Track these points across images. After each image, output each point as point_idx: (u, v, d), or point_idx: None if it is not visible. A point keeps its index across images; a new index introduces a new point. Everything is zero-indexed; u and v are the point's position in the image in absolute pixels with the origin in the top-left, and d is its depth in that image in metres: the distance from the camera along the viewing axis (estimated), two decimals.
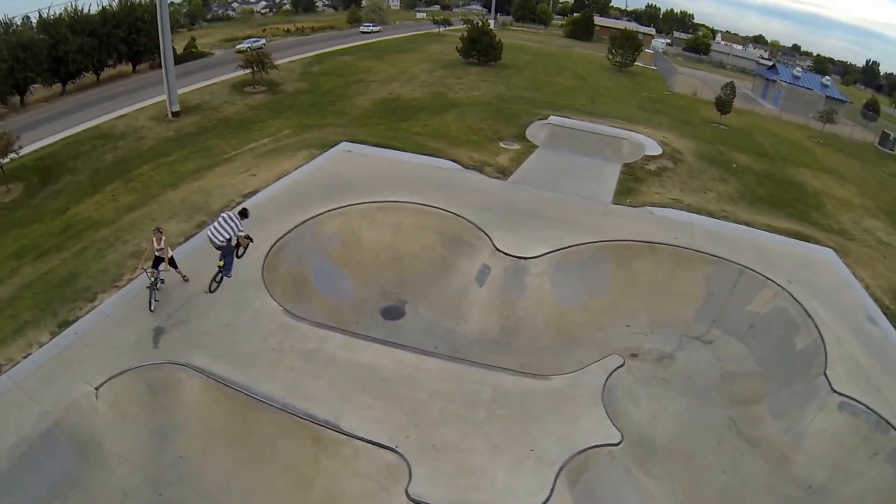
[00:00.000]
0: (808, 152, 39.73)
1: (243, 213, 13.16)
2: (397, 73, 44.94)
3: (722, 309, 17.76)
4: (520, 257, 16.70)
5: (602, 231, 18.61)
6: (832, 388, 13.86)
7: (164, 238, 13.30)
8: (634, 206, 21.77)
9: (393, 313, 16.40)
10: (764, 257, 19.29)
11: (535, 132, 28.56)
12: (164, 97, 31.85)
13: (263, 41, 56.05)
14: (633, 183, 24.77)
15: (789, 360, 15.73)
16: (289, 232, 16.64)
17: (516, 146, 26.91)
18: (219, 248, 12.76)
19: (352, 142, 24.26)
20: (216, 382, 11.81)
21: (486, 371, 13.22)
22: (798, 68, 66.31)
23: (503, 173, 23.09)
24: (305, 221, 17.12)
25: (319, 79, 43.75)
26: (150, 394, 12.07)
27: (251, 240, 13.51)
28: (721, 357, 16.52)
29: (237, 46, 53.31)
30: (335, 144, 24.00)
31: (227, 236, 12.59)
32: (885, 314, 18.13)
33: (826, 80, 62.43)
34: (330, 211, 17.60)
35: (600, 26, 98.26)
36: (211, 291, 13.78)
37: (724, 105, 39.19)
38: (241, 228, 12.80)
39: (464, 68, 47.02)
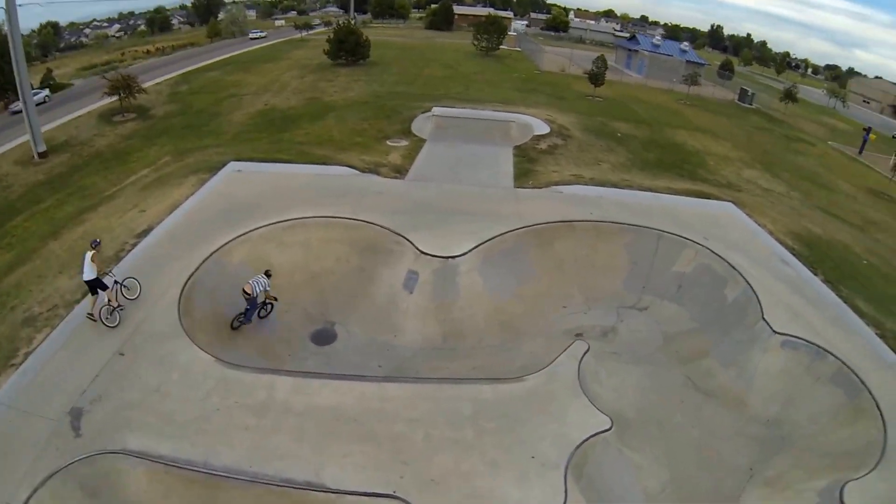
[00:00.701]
0: (679, 115, 43.06)
1: (268, 274, 15.14)
2: (268, 83, 43.21)
3: (648, 275, 18.73)
4: (447, 257, 16.42)
5: (519, 217, 18.82)
6: (773, 330, 15.26)
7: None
8: (539, 188, 22.14)
9: (324, 337, 15.29)
10: (675, 219, 20.47)
11: (421, 126, 28.25)
12: (26, 138, 29.31)
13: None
14: (529, 164, 25.25)
15: (724, 312, 16.92)
16: (196, 269, 14.98)
17: (404, 142, 26.43)
18: (248, 299, 14.70)
19: (238, 160, 22.57)
20: (165, 466, 10.14)
21: (457, 386, 12.82)
22: (657, 36, 71.92)
23: (399, 172, 22.52)
24: (211, 255, 15.51)
25: (190, 98, 41.09)
26: (88, 498, 9.92)
27: (276, 300, 15.54)
28: (659, 321, 17.40)
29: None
30: (223, 166, 22.22)
31: (257, 290, 14.72)
32: (794, 255, 20.21)
33: (684, 45, 68.82)
34: (235, 239, 16.10)
35: (459, 15, 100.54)
36: (233, 328, 15.09)
37: (596, 78, 41.36)
38: (268, 287, 14.81)
39: (333, 70, 46.08)
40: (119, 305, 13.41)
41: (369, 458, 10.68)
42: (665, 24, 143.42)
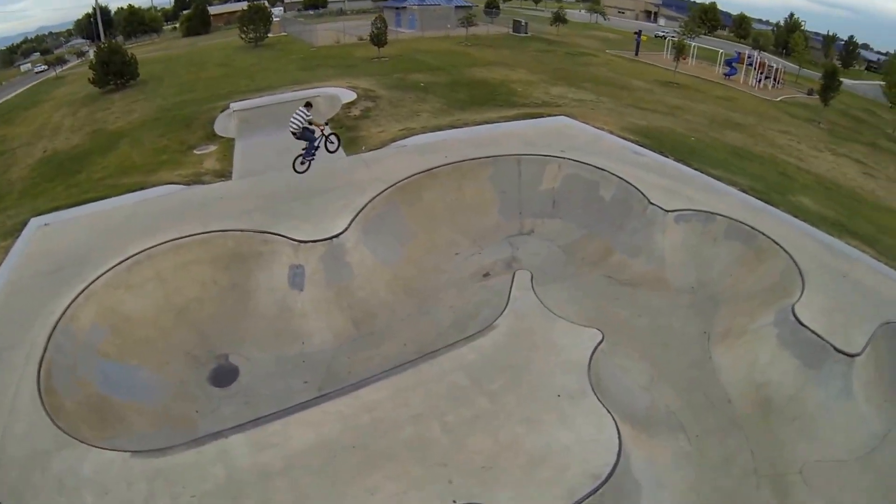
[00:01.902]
0: (467, 56, 44.91)
1: (308, 105, 16.02)
2: (38, 128, 37.09)
3: (520, 200, 19.49)
4: (330, 238, 14.71)
5: (378, 180, 18.11)
6: (665, 210, 16.94)
7: None
8: (377, 148, 21.18)
9: (225, 376, 12.99)
10: (523, 140, 21.53)
11: (224, 125, 25.87)
12: None
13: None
14: (351, 132, 24.29)
15: (608, 211, 18.31)
16: (45, 350, 11.55)
17: (213, 147, 24.06)
18: (297, 136, 15.82)
19: (40, 215, 18.51)
20: None
21: (435, 360, 12.02)
22: None
23: (224, 175, 20.12)
24: (54, 328, 12.11)
25: None
26: None
27: (331, 132, 17.26)
28: (551, 239, 18.30)
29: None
30: (22, 226, 17.95)
31: (298, 124, 15.54)
32: (640, 145, 22.62)
33: None
34: (74, 300, 12.79)
35: (215, 15, 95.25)
36: (297, 171, 16.80)
37: (379, 38, 41.36)
38: (308, 114, 15.65)
39: (106, 98, 41.07)
40: None
41: (401, 480, 9.29)
42: None
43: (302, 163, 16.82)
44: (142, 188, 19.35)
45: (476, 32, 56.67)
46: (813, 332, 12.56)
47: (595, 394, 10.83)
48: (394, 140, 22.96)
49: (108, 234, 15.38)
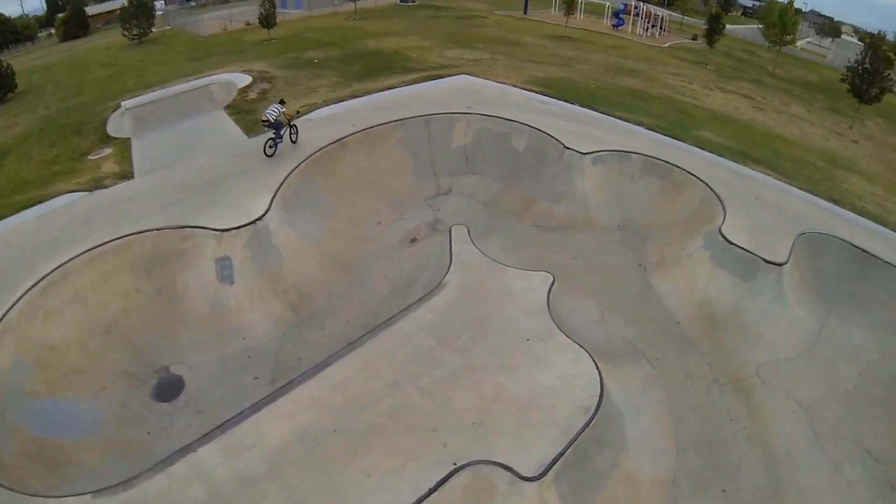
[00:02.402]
0: (357, 29, 44.42)
1: (281, 101, 17.99)
2: None
3: (432, 159, 19.41)
4: (252, 222, 13.87)
5: (291, 157, 17.25)
6: (581, 153, 17.42)
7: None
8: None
9: (170, 388, 11.91)
10: (427, 101, 21.38)
11: (118, 126, 23.82)
12: None
13: None
14: (251, 115, 23.45)
15: (522, 161, 18.58)
16: None
17: (108, 150, 22.12)
18: (269, 126, 17.05)
19: None
20: None
21: (393, 326, 11.91)
22: None
23: (125, 177, 18.45)
24: None
25: None
26: None
27: (299, 113, 19.22)
28: (469, 195, 18.40)
29: None
30: None
31: (273, 116, 16.96)
32: (546, 95, 23.06)
33: None
34: None
35: (93, 15, 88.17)
36: (267, 155, 17.33)
37: (269, 20, 39.54)
38: (282, 109, 17.42)
39: None
40: None
41: (395, 455, 9.13)
42: None
43: (271, 146, 17.84)
44: (40, 202, 17.35)
45: (364, 6, 55.70)
46: (742, 248, 13.76)
47: (562, 332, 11.21)
48: (295, 117, 22.07)
49: (12, 257, 13.57)
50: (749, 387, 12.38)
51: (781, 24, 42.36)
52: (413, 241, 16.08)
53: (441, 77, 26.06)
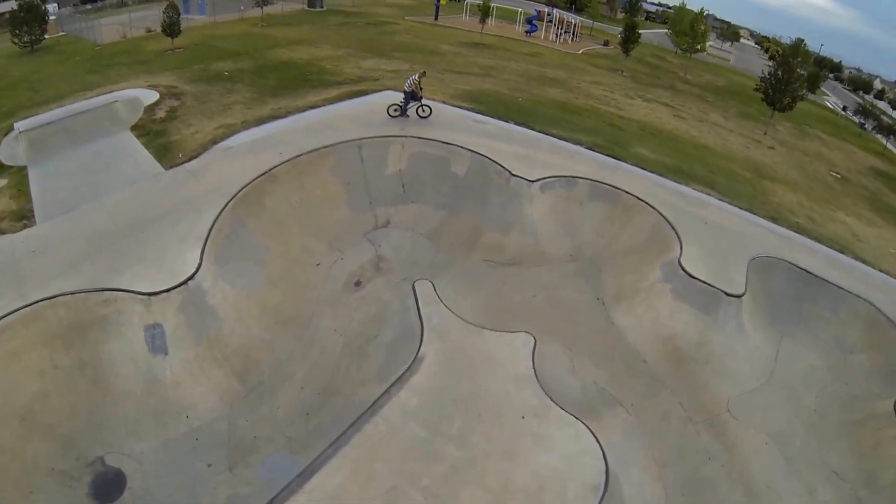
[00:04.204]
0: (266, 37, 42.74)
1: (423, 73, 20.98)
2: None
3: (367, 187, 18.21)
4: (184, 282, 12.32)
5: (214, 193, 15.46)
6: (530, 181, 17.05)
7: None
8: (198, 155, 18.43)
9: (110, 485, 10.18)
10: (358, 121, 20.21)
11: (11, 152, 20.88)
12: None
13: None
14: (161, 138, 21.06)
15: (465, 187, 17.92)
16: None
17: (2, 181, 19.22)
18: (405, 93, 20.00)
19: None
20: None
21: (374, 415, 10.93)
22: None
23: (25, 218, 16.08)
24: None
25: None
26: None
27: (421, 90, 20.62)
28: (411, 227, 17.42)
29: None
30: None
31: (409, 85, 19.89)
32: (477, 111, 22.67)
33: None
34: None
35: None
36: (390, 115, 20.13)
37: (172, 28, 36.88)
38: (418, 80, 20.07)
39: None
40: None
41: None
42: None
43: (395, 111, 20.13)
44: None
45: (271, 11, 53.61)
46: (704, 282, 13.94)
47: (555, 402, 10.92)
48: (214, 141, 20.33)
49: None
50: (723, 423, 12.63)
51: (692, 34, 44.30)
52: (357, 283, 15.15)
53: (364, 93, 25.12)
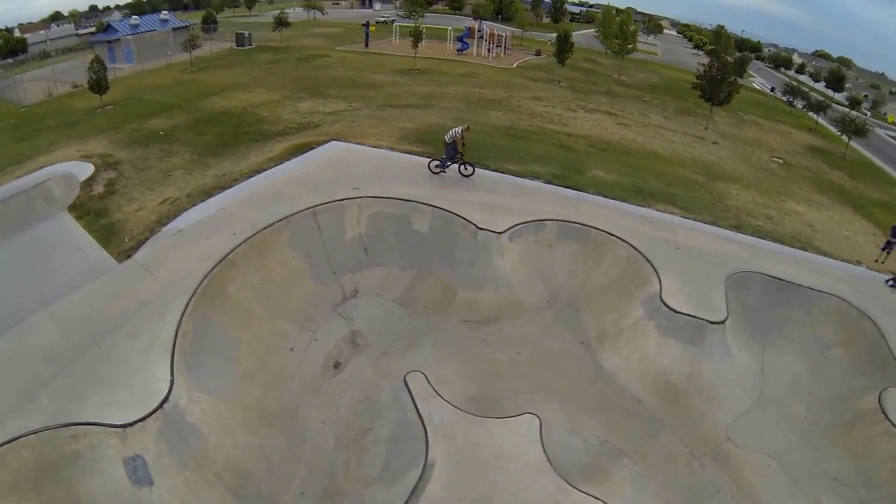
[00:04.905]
0: (198, 84, 42.38)
1: (467, 128, 19.96)
2: None
3: (328, 256, 17.46)
4: (159, 406, 11.42)
5: (172, 289, 14.50)
6: (497, 232, 16.63)
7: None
8: (146, 238, 17.46)
9: None
10: (307, 184, 19.53)
11: None
12: None
13: None
14: (102, 218, 19.92)
15: (430, 245, 17.44)
16: None
17: None
18: (446, 145, 19.66)
19: None
20: None
21: None
22: (134, 17, 66.49)
23: None
24: None
25: None
26: None
27: (463, 145, 19.71)
28: (381, 292, 17.04)
29: None
30: None
31: (451, 137, 19.29)
32: (429, 157, 21.55)
33: (164, 14, 66.10)
34: None
35: None
36: (432, 172, 20.02)
37: (100, 84, 35.27)
38: (459, 134, 19.22)
39: None
40: None
41: None
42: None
43: (437, 166, 19.87)
44: None
45: (199, 54, 52.31)
46: (688, 314, 14.08)
47: (573, 486, 10.63)
48: (160, 221, 19.14)
49: None
50: (725, 452, 12.85)
51: (623, 35, 45.13)
52: (337, 365, 14.65)
53: (308, 146, 24.26)
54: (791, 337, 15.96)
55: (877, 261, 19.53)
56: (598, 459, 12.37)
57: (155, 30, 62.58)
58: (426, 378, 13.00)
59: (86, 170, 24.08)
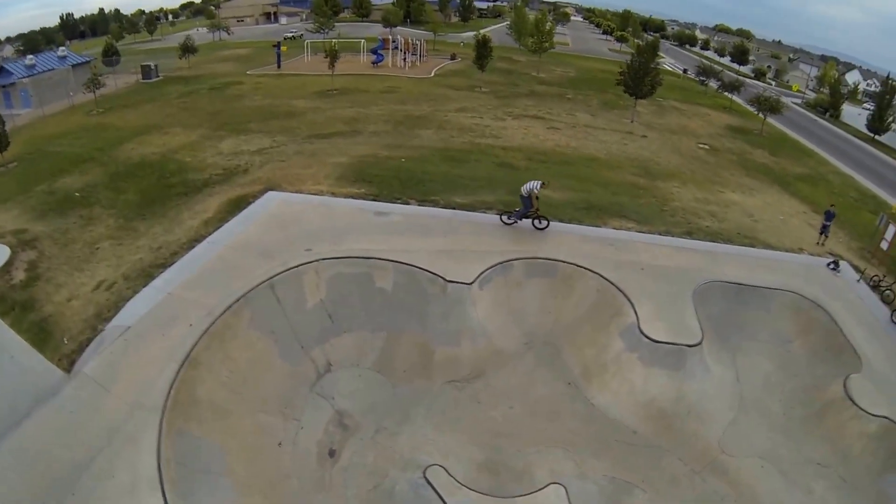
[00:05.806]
0: (107, 128, 39.64)
1: (544, 184, 19.33)
2: None
3: (293, 328, 16.56)
4: None
5: (138, 409, 13.02)
6: (467, 283, 16.40)
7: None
8: (94, 335, 16.02)
9: None
10: (254, 250, 18.46)
11: None
12: None
13: None
14: (31, 313, 17.83)
15: (396, 303, 16.98)
16: None
17: None
18: (522, 198, 19.31)
19: None
20: None
21: None
22: (30, 56, 61.70)
23: None
24: None
25: None
26: None
27: (538, 200, 19.37)
28: (356, 362, 16.44)
29: None
30: None
31: (528, 190, 19.00)
32: (375, 198, 21.68)
33: (61, 50, 62.98)
34: None
35: None
36: (504, 223, 19.75)
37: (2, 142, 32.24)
38: (537, 190, 18.95)
39: None
40: None
41: None
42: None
43: (509, 217, 19.83)
44: None
45: (104, 92, 48.65)
46: (669, 342, 14.75)
47: None
48: (100, 315, 17.17)
49: None
50: (722, 463, 13.81)
51: (539, 34, 45.49)
52: (332, 453, 14.02)
53: (243, 200, 22.73)
54: (756, 337, 17.06)
55: (818, 244, 20.85)
56: (613, 497, 12.93)
57: (53, 69, 58.35)
58: (446, 470, 12.86)
59: (2, 254, 21.46)
